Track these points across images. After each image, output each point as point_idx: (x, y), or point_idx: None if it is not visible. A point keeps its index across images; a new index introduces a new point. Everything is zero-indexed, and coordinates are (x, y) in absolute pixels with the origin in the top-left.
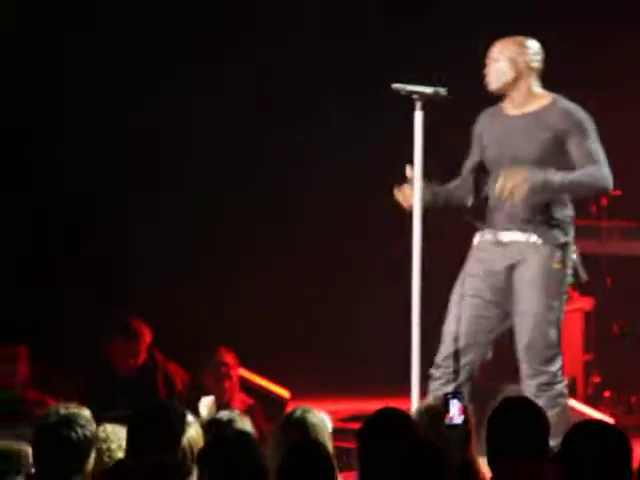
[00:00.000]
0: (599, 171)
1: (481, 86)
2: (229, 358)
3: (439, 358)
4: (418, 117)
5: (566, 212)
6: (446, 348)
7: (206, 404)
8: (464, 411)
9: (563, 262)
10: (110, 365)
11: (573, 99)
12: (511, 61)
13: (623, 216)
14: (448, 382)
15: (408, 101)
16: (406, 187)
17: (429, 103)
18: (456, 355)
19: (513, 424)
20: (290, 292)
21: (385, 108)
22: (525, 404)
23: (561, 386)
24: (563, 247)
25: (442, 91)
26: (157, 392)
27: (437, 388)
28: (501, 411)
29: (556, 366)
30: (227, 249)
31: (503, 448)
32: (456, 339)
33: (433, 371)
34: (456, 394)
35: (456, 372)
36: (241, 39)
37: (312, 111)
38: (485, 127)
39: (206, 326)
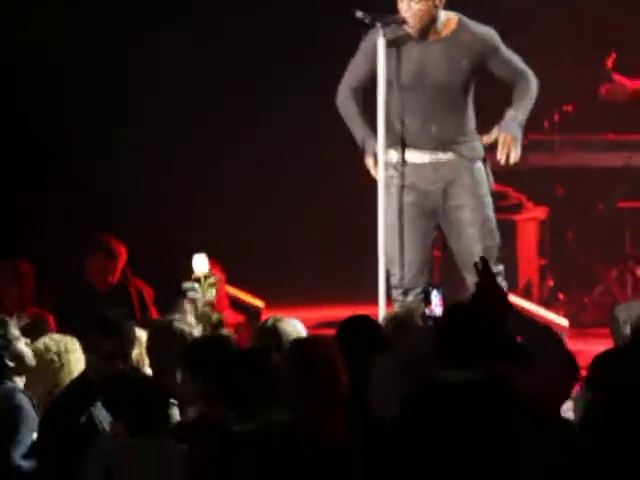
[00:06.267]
0: (532, 83)
1: None
2: (217, 272)
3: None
4: (381, 44)
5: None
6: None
7: (199, 260)
8: (445, 303)
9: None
10: (86, 281)
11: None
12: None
13: (574, 130)
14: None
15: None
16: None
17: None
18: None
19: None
20: (257, 202)
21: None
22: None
23: None
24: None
25: (402, 17)
26: (131, 308)
27: (398, 297)
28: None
29: None
30: (199, 167)
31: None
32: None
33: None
34: (437, 286)
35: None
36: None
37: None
38: (394, 51)
39: (178, 237)
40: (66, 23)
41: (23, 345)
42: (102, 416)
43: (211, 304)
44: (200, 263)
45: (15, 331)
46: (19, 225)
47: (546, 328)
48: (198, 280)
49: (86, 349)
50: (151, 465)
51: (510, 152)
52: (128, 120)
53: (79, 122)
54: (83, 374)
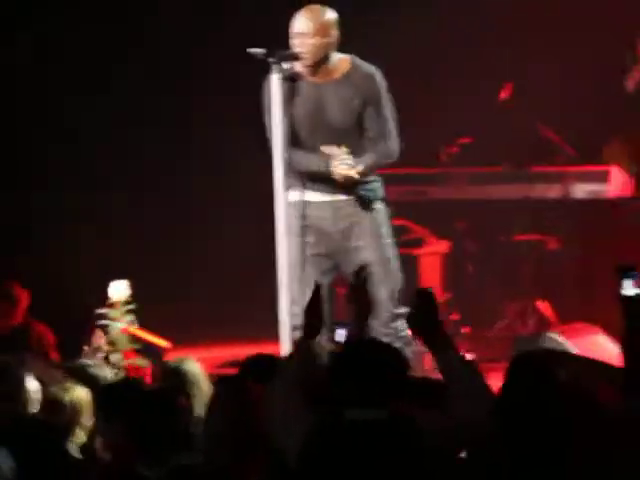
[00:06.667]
0: (390, 148)
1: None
2: None
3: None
4: (275, 80)
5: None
6: None
7: (117, 286)
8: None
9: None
10: None
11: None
12: (324, 35)
13: (472, 162)
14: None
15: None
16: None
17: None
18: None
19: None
20: (152, 237)
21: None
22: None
23: None
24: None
25: (295, 52)
26: (30, 352)
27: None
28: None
29: None
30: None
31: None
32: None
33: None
34: (343, 324)
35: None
36: None
37: None
38: (290, 94)
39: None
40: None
41: None
42: None
43: (127, 331)
44: (118, 289)
45: None
46: None
47: (463, 360)
48: (113, 306)
49: None
50: None
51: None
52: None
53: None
54: None
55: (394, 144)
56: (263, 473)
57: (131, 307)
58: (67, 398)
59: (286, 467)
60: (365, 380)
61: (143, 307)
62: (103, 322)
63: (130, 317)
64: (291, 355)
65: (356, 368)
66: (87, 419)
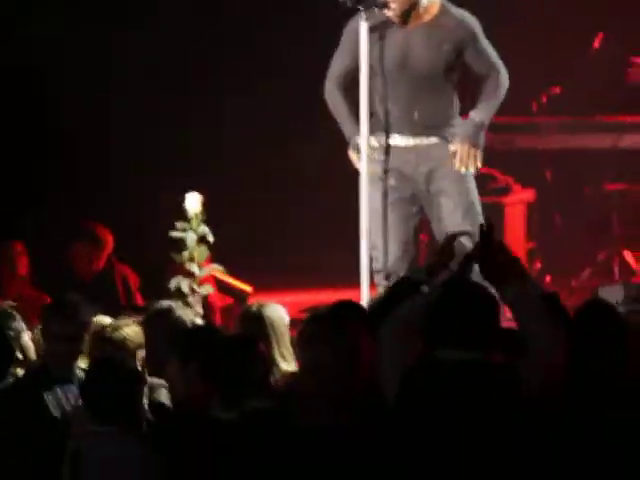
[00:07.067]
0: (499, 81)
1: None
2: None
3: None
4: (364, 28)
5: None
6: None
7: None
8: None
9: None
10: (70, 269)
11: None
12: None
13: (561, 112)
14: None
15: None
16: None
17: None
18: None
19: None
20: (241, 187)
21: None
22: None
23: None
24: None
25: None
26: (116, 295)
27: (380, 281)
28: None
29: None
30: (192, 151)
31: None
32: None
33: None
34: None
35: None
36: None
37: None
38: (377, 36)
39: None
40: (66, 23)
41: (27, 338)
42: (57, 401)
43: (202, 239)
44: (191, 201)
45: (22, 324)
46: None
47: (546, 301)
48: (189, 220)
49: (43, 333)
50: (116, 455)
51: (468, 166)
52: (128, 117)
53: (78, 122)
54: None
55: (502, 74)
56: (361, 412)
57: (203, 218)
58: (117, 335)
59: (384, 407)
60: (460, 322)
61: (225, 256)
62: (178, 235)
63: (204, 228)
64: (399, 295)
65: (451, 310)
66: (139, 353)
